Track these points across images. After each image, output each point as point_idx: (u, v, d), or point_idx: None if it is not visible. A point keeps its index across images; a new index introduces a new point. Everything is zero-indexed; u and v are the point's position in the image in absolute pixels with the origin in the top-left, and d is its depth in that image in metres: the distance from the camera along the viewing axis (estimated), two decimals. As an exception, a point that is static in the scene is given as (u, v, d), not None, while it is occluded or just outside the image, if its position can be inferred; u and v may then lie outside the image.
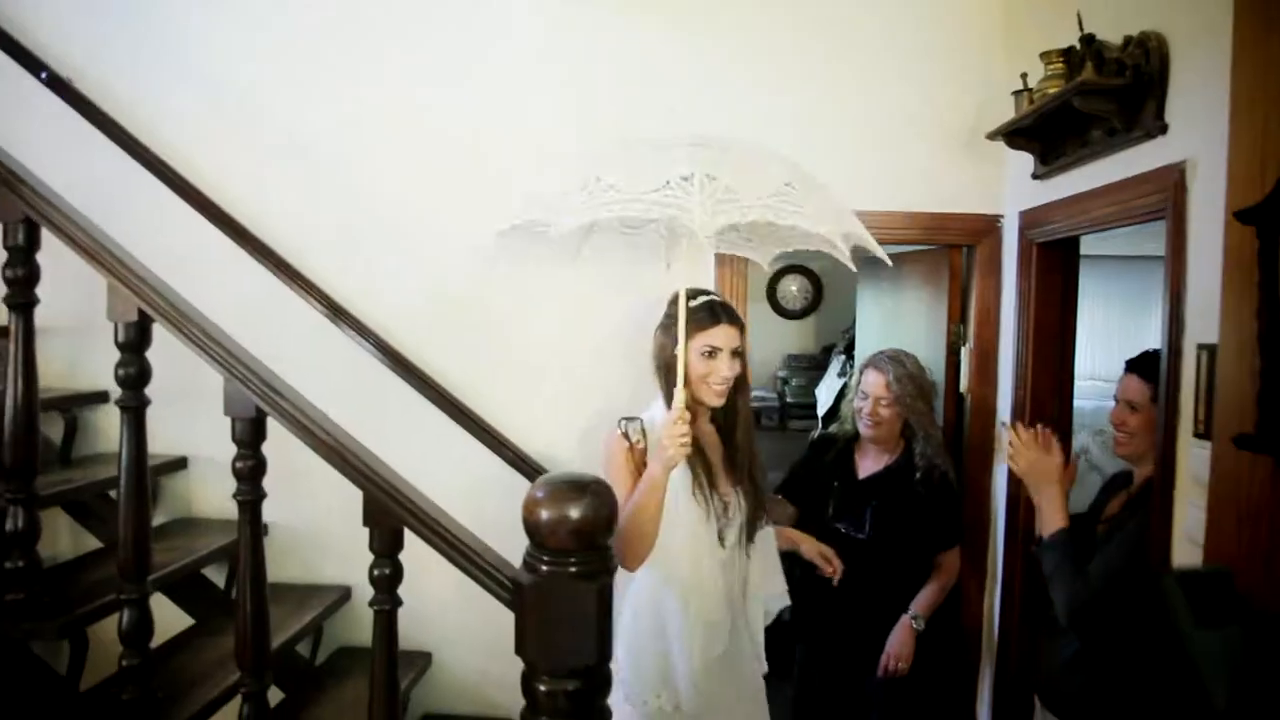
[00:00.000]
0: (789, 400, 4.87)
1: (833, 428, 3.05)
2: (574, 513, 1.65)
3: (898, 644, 2.70)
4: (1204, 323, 1.73)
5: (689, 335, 1.97)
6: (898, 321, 3.46)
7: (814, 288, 5.17)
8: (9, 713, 2.07)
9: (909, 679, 2.73)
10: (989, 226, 2.82)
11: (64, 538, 2.73)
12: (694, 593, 2.05)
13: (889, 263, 2.09)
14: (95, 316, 1.98)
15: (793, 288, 5.22)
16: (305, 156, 2.91)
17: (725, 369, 2.03)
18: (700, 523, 2.06)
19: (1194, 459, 1.77)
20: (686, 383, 1.94)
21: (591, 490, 1.68)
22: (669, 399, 2.03)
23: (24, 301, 1.93)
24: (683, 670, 2.05)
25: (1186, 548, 1.80)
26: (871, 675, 2.74)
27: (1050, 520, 2.24)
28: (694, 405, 2.02)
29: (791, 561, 2.75)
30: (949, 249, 2.98)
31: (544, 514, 1.66)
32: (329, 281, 2.88)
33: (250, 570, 1.90)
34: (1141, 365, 2.21)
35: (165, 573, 2.29)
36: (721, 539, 2.09)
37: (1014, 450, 2.36)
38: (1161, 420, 1.93)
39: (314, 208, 2.92)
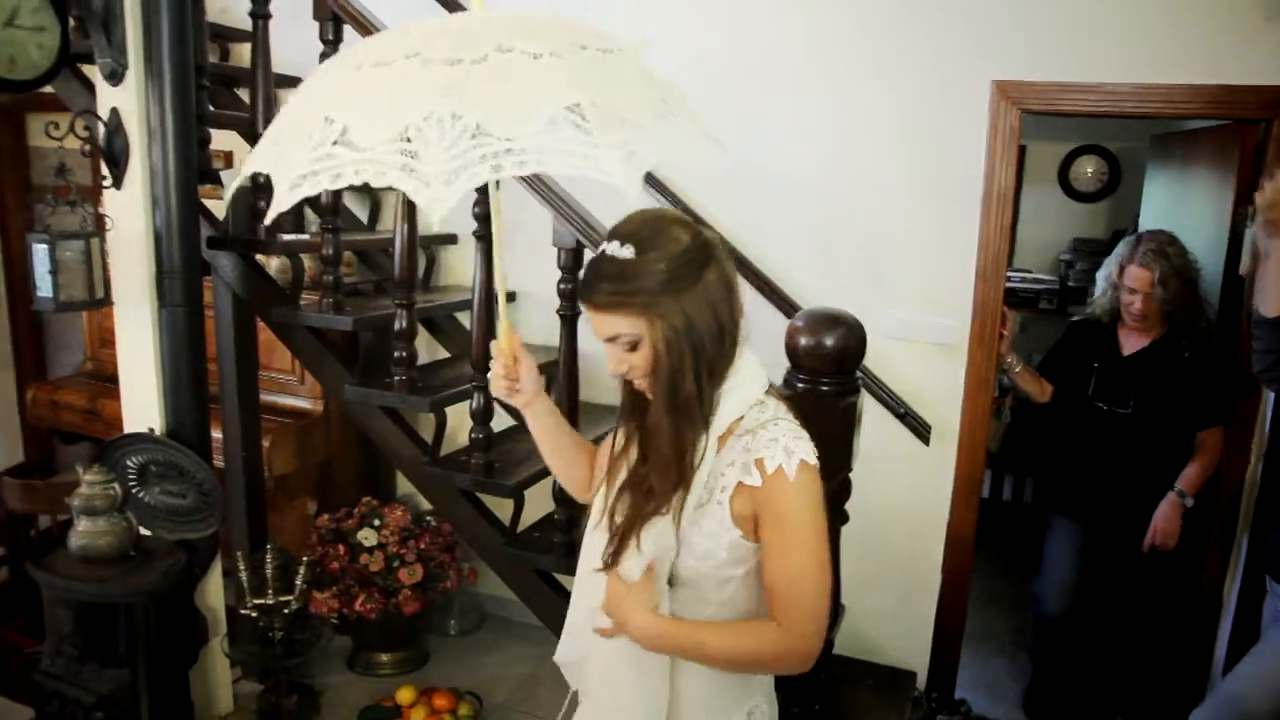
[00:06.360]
0: (1070, 285, 4.72)
1: (1090, 312, 3.01)
2: (829, 340, 1.95)
3: (1165, 519, 2.73)
4: None
5: None
6: (1183, 202, 3.30)
7: (1110, 169, 4.89)
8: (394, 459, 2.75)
9: (1170, 556, 2.77)
10: (1296, 99, 2.62)
11: (422, 348, 3.44)
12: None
13: (629, 195, 1.15)
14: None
15: (1088, 169, 4.94)
16: None
17: (610, 362, 1.36)
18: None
19: None
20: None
21: (845, 322, 1.98)
22: None
23: (410, 152, 2.49)
24: None
25: None
26: (1133, 550, 2.80)
27: None
28: None
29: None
30: (1241, 125, 2.80)
31: (803, 340, 1.98)
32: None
33: (567, 372, 2.40)
34: None
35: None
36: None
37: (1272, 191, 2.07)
38: None
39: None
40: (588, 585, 1.46)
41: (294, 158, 1.16)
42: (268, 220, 1.21)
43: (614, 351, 1.34)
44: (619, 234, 1.30)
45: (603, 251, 1.31)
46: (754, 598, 1.38)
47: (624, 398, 1.44)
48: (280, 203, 1.16)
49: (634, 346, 1.31)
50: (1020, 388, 3.00)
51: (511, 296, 3.38)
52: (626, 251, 1.27)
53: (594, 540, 1.45)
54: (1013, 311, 2.90)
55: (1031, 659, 3.35)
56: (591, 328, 1.35)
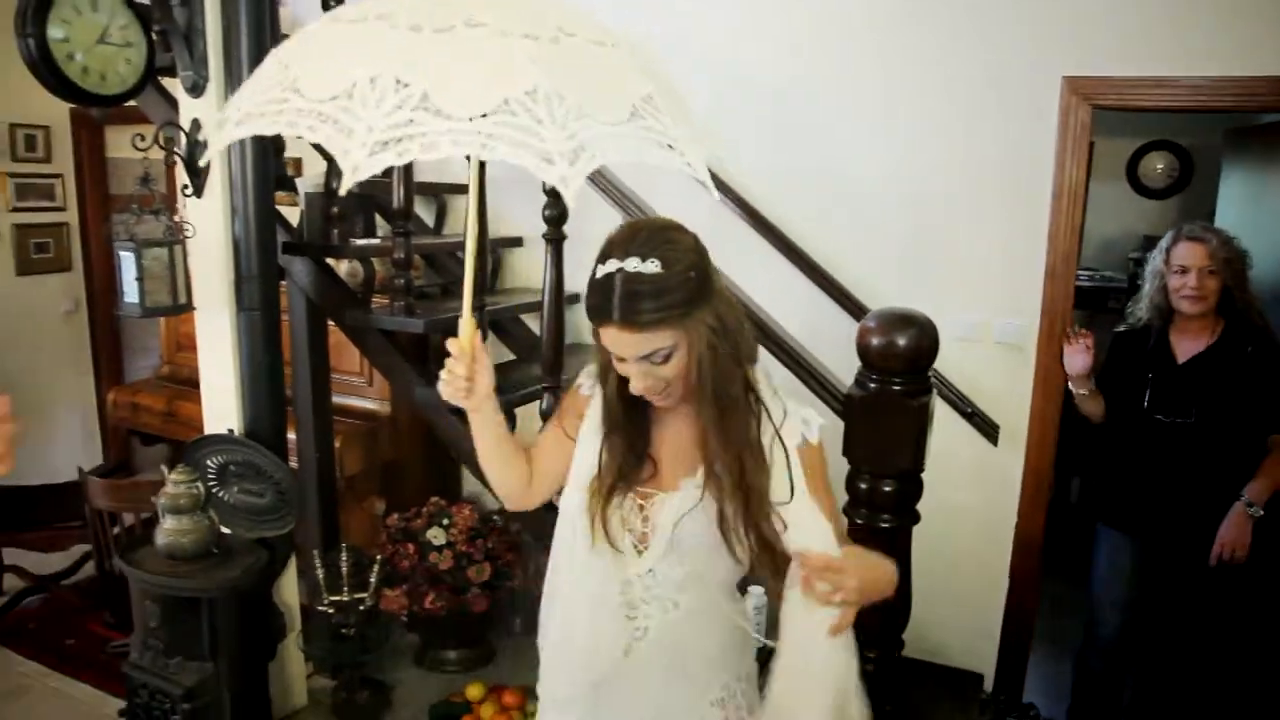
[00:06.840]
0: (1140, 284, 4.64)
1: (1134, 320, 2.88)
2: (901, 340, 1.95)
3: (1233, 531, 2.58)
4: None
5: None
6: (1264, 199, 3.22)
7: (1181, 165, 4.79)
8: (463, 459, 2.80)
9: (1243, 570, 2.62)
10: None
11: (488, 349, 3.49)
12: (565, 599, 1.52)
13: (714, 193, 1.35)
14: (511, 175, 2.54)
15: (1158, 165, 4.83)
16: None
17: (637, 380, 1.31)
18: (577, 515, 1.44)
19: None
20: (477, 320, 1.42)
21: (917, 322, 1.97)
22: None
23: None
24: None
25: None
26: (1199, 566, 2.65)
27: None
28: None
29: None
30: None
31: (874, 340, 1.97)
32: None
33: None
34: None
35: (565, 379, 2.90)
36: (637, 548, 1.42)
37: None
38: None
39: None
40: (590, 609, 1.44)
41: (363, 118, 1.07)
42: (344, 190, 1.10)
43: (642, 368, 1.29)
44: (634, 250, 1.24)
45: (622, 270, 1.24)
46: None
47: (616, 410, 1.40)
48: (360, 168, 1.06)
49: (667, 358, 1.28)
50: (1082, 409, 2.91)
51: (577, 298, 3.41)
52: (653, 266, 1.23)
53: (594, 562, 1.42)
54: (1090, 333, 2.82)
55: (1077, 683, 3.13)
56: (616, 349, 1.29)
